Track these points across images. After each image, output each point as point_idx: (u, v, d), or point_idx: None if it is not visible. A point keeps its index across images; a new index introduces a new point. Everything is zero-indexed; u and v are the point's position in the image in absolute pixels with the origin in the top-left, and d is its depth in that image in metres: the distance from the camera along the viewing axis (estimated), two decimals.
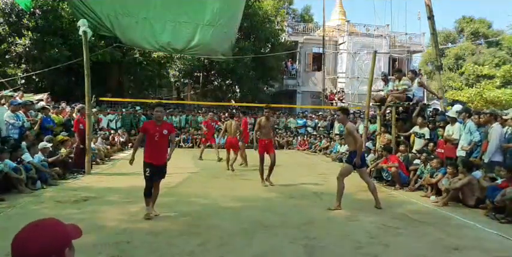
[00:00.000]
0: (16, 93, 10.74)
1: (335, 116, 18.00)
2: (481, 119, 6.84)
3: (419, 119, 8.45)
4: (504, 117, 6.53)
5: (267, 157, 7.50)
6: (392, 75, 9.78)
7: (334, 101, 23.78)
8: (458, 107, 8.03)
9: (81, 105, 9.19)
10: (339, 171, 5.99)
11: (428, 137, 8.21)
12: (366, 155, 9.03)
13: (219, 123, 14.53)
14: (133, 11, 9.62)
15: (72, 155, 8.53)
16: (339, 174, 5.92)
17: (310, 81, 25.64)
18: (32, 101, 9.68)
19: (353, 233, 4.50)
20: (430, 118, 9.15)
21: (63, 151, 8.36)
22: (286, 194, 6.66)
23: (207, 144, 11.85)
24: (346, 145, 11.74)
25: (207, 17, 10.46)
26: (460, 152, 7.00)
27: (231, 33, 11.40)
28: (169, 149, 5.12)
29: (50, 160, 7.41)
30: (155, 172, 4.91)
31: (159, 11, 10.01)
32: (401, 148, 8.27)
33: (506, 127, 6.43)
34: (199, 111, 18.38)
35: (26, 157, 6.85)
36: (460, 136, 7.13)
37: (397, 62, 25.59)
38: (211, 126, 12.02)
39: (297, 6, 41.59)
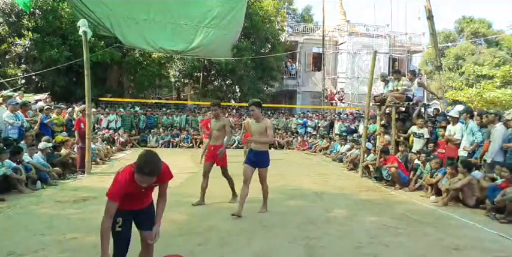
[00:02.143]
0: (16, 93, 10.75)
1: (335, 116, 18.11)
2: (483, 120, 6.83)
3: (418, 119, 8.46)
4: (506, 117, 6.52)
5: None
6: (391, 76, 9.79)
7: (334, 101, 23.79)
8: (460, 107, 8.02)
9: (83, 105, 9.22)
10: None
11: (428, 137, 8.21)
12: (366, 155, 9.07)
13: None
14: (134, 13, 9.64)
15: (75, 156, 8.55)
16: (244, 179, 5.12)
17: (310, 81, 25.64)
18: (30, 102, 9.68)
19: (353, 233, 4.50)
20: (431, 118, 9.15)
21: (63, 151, 8.37)
22: (286, 194, 6.66)
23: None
24: (346, 145, 11.89)
25: (207, 19, 10.48)
26: (462, 153, 7.00)
27: (231, 35, 11.42)
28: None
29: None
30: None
31: (160, 13, 10.03)
32: (401, 147, 8.28)
33: (510, 129, 6.43)
34: (199, 112, 18.39)
35: (26, 157, 6.86)
36: (462, 136, 7.13)
37: (397, 62, 25.58)
38: (207, 128, 12.01)
39: (297, 6, 41.61)
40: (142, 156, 2.52)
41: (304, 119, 17.98)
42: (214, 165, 5.72)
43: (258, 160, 5.17)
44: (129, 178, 2.62)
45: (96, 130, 13.31)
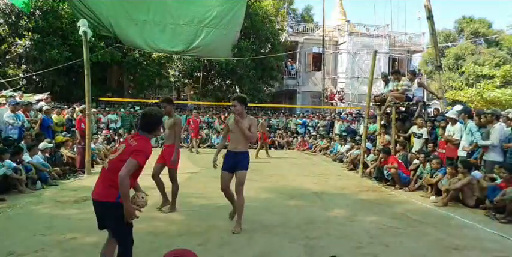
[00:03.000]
0: (16, 94, 10.75)
1: (335, 116, 18.11)
2: (482, 121, 6.83)
3: (418, 120, 8.47)
4: (509, 115, 6.51)
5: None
6: (391, 76, 9.80)
7: (334, 101, 23.80)
8: (458, 107, 8.03)
9: (83, 105, 9.25)
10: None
11: (427, 137, 8.21)
12: (366, 155, 9.06)
13: (201, 120, 15.91)
14: (134, 13, 9.64)
15: (76, 155, 8.57)
16: (221, 188, 4.61)
17: (310, 81, 25.66)
18: (30, 102, 9.68)
19: (353, 233, 4.50)
20: (431, 118, 9.15)
21: (63, 151, 8.38)
22: (286, 194, 6.66)
23: (196, 139, 13.60)
24: (345, 145, 11.89)
25: (207, 19, 10.48)
26: (461, 153, 7.00)
27: (231, 35, 11.43)
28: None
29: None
30: None
31: (159, 13, 10.03)
32: (398, 147, 8.27)
33: (510, 128, 6.44)
34: (199, 112, 18.42)
35: (26, 157, 6.86)
36: (461, 136, 7.13)
37: (397, 62, 25.58)
38: (196, 122, 13.75)
39: (297, 6, 41.62)
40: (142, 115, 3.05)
41: (304, 119, 17.98)
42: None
43: (235, 162, 4.48)
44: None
45: (96, 130, 13.32)
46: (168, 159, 5.16)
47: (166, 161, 5.21)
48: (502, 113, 7.42)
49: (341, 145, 12.32)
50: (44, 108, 9.42)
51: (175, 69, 21.06)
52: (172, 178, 5.21)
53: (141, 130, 2.98)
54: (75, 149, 8.93)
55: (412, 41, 26.52)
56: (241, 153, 4.53)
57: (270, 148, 13.61)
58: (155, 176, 5.26)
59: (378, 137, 9.52)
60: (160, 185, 5.30)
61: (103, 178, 2.92)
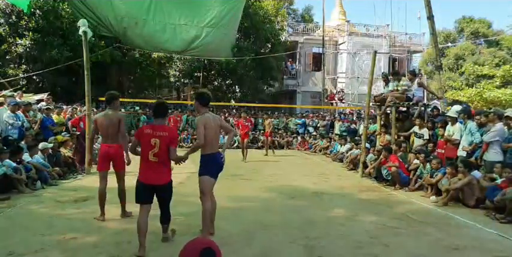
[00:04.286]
0: (16, 93, 10.75)
1: (335, 116, 18.11)
2: (481, 119, 6.82)
3: (418, 120, 8.47)
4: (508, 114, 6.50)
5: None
6: (390, 76, 9.81)
7: (334, 101, 23.79)
8: (458, 107, 8.02)
9: (85, 108, 9.28)
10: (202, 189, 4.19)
11: (427, 138, 8.21)
12: (366, 155, 9.06)
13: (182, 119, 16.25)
14: (133, 13, 9.66)
15: (74, 157, 8.58)
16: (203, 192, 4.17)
17: (310, 81, 25.65)
18: (29, 102, 9.68)
19: (353, 233, 4.50)
20: (431, 118, 9.15)
21: (63, 151, 8.37)
22: (286, 194, 6.66)
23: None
24: (346, 145, 11.88)
25: (207, 20, 10.50)
26: (461, 153, 7.00)
27: (230, 35, 11.44)
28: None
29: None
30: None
31: (159, 13, 10.06)
32: (394, 147, 8.27)
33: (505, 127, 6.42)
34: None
35: (26, 157, 6.86)
36: (460, 136, 7.12)
37: (397, 62, 25.58)
38: (176, 121, 14.15)
39: (298, 6, 41.61)
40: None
41: (303, 119, 17.98)
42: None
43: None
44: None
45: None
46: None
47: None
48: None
49: (341, 145, 12.31)
50: (44, 107, 9.42)
51: (175, 69, 21.05)
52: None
53: (158, 118, 3.82)
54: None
55: (412, 41, 26.52)
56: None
57: (269, 148, 13.64)
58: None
59: (377, 137, 9.51)
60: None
61: (156, 169, 3.72)
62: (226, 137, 5.20)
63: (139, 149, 3.81)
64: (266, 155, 12.84)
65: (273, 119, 18.03)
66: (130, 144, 4.11)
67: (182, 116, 16.64)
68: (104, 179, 4.79)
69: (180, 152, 4.11)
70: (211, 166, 4.11)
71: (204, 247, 1.46)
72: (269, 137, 13.32)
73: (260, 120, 17.84)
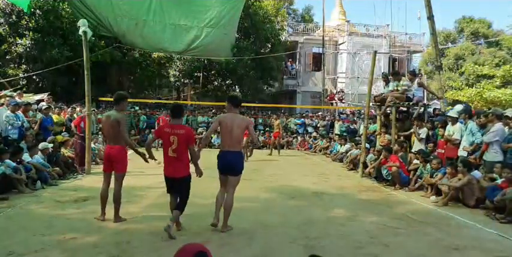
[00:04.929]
0: (15, 93, 10.74)
1: (335, 116, 18.11)
2: (481, 120, 6.82)
3: (417, 120, 8.46)
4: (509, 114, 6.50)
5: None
6: (391, 76, 9.81)
7: (334, 101, 23.78)
8: (459, 107, 8.01)
9: (85, 108, 9.26)
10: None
11: (423, 137, 8.20)
12: (366, 155, 9.05)
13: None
14: (133, 13, 9.64)
15: (74, 153, 8.59)
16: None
17: (310, 81, 25.65)
18: (28, 102, 9.67)
19: (353, 233, 4.50)
20: (431, 118, 9.15)
21: (63, 151, 8.37)
22: (286, 194, 6.66)
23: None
24: (345, 145, 11.88)
25: (207, 20, 10.50)
26: (462, 153, 7.00)
27: (230, 34, 11.44)
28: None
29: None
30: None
31: (159, 13, 10.05)
32: (395, 147, 8.28)
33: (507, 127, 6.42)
34: (199, 112, 18.41)
35: (26, 157, 6.86)
36: (461, 136, 7.12)
37: (397, 62, 25.57)
38: (165, 121, 13.90)
39: (298, 7, 41.61)
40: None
41: (302, 119, 17.98)
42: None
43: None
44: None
45: (98, 130, 13.31)
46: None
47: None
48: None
49: (341, 145, 12.32)
50: (43, 107, 9.41)
51: (175, 69, 21.04)
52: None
53: (176, 118, 4.31)
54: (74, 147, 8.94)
55: (412, 41, 26.51)
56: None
57: (275, 148, 13.68)
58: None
59: (377, 137, 9.51)
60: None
61: (176, 164, 4.19)
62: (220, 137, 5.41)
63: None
64: (270, 154, 12.87)
65: (283, 120, 18.09)
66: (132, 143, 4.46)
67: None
68: (106, 180, 4.82)
69: None
70: (218, 162, 4.49)
71: (198, 251, 1.49)
72: (278, 138, 13.51)
73: (260, 120, 17.86)
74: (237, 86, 22.04)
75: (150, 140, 4.80)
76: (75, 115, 10.79)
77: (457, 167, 6.18)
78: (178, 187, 4.32)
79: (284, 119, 18.41)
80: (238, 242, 4.07)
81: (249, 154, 11.55)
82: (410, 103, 8.88)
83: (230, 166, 4.44)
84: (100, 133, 13.21)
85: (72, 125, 9.37)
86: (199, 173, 4.39)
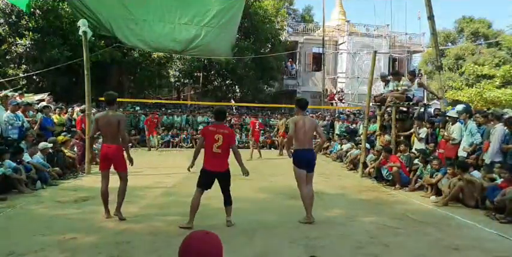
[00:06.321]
0: (15, 93, 10.73)
1: (335, 116, 18.09)
2: (479, 120, 6.82)
3: (417, 120, 8.46)
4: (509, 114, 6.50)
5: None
6: (390, 76, 9.81)
7: (334, 101, 23.78)
8: (459, 107, 8.02)
9: (84, 105, 9.26)
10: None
11: (423, 137, 8.20)
12: (366, 155, 9.05)
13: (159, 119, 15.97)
14: (133, 13, 9.61)
15: (77, 153, 8.59)
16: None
17: (310, 81, 25.65)
18: (28, 102, 9.67)
19: (353, 233, 4.50)
20: (431, 118, 9.15)
21: (64, 151, 8.36)
22: (286, 194, 6.65)
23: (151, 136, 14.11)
24: (346, 145, 11.86)
25: (207, 19, 10.45)
26: (462, 153, 6.99)
27: (230, 34, 11.40)
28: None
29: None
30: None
31: (159, 13, 10.01)
32: (402, 147, 8.27)
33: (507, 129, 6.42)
34: (199, 112, 18.40)
35: (26, 157, 6.85)
36: (460, 136, 7.12)
37: (397, 62, 25.58)
38: (152, 122, 14.15)
39: (298, 7, 41.63)
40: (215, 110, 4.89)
41: None
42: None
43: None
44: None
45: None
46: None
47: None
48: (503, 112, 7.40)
49: (341, 145, 12.31)
50: (43, 107, 9.42)
51: (175, 69, 21.05)
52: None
53: (219, 121, 4.71)
54: (75, 149, 8.92)
55: (412, 41, 26.51)
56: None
57: (269, 148, 13.68)
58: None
59: (377, 137, 9.51)
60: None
61: (220, 159, 4.51)
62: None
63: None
64: (281, 155, 12.88)
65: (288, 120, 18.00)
66: (129, 144, 4.31)
67: (161, 117, 16.40)
68: (104, 179, 4.82)
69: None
70: (297, 159, 4.95)
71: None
72: (281, 137, 13.51)
73: (260, 120, 17.84)
74: (237, 86, 22.05)
75: (201, 141, 4.70)
76: (75, 115, 10.79)
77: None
78: (223, 180, 4.58)
79: (285, 119, 18.40)
80: (238, 242, 4.06)
81: (258, 155, 11.81)
82: (411, 103, 8.88)
83: (310, 163, 4.99)
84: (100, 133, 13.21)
85: (78, 131, 9.45)
86: (245, 172, 4.71)
